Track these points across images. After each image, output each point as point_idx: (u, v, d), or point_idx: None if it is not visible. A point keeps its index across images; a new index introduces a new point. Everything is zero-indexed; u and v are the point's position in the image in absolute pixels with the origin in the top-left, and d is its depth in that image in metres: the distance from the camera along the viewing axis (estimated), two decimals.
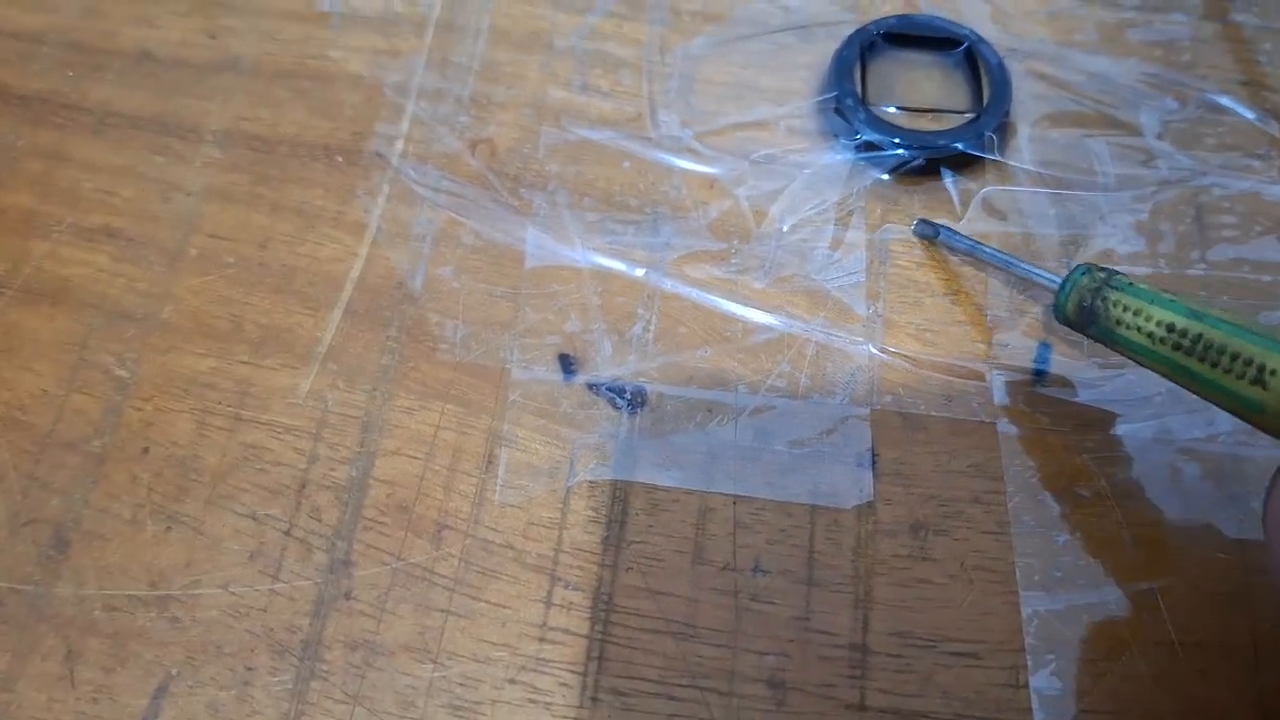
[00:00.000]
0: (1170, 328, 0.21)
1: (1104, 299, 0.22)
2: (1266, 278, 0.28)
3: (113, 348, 0.27)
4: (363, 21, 0.32)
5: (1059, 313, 0.23)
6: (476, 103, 0.30)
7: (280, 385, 0.26)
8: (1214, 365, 0.20)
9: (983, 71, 0.29)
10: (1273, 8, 0.32)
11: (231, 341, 0.27)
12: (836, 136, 0.29)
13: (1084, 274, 0.23)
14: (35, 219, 0.29)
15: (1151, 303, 0.21)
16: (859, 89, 0.29)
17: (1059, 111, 0.30)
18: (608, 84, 0.31)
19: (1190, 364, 0.20)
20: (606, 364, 0.26)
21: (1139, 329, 0.21)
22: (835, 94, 0.29)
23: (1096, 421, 0.25)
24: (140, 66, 0.31)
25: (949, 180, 0.29)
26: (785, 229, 0.28)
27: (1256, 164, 0.29)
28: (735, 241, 0.28)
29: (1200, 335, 0.20)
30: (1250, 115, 0.30)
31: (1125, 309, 0.22)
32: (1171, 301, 0.21)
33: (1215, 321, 0.20)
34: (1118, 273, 0.23)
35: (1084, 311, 0.22)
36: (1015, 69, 0.31)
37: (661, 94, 0.31)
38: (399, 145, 0.30)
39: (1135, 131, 0.30)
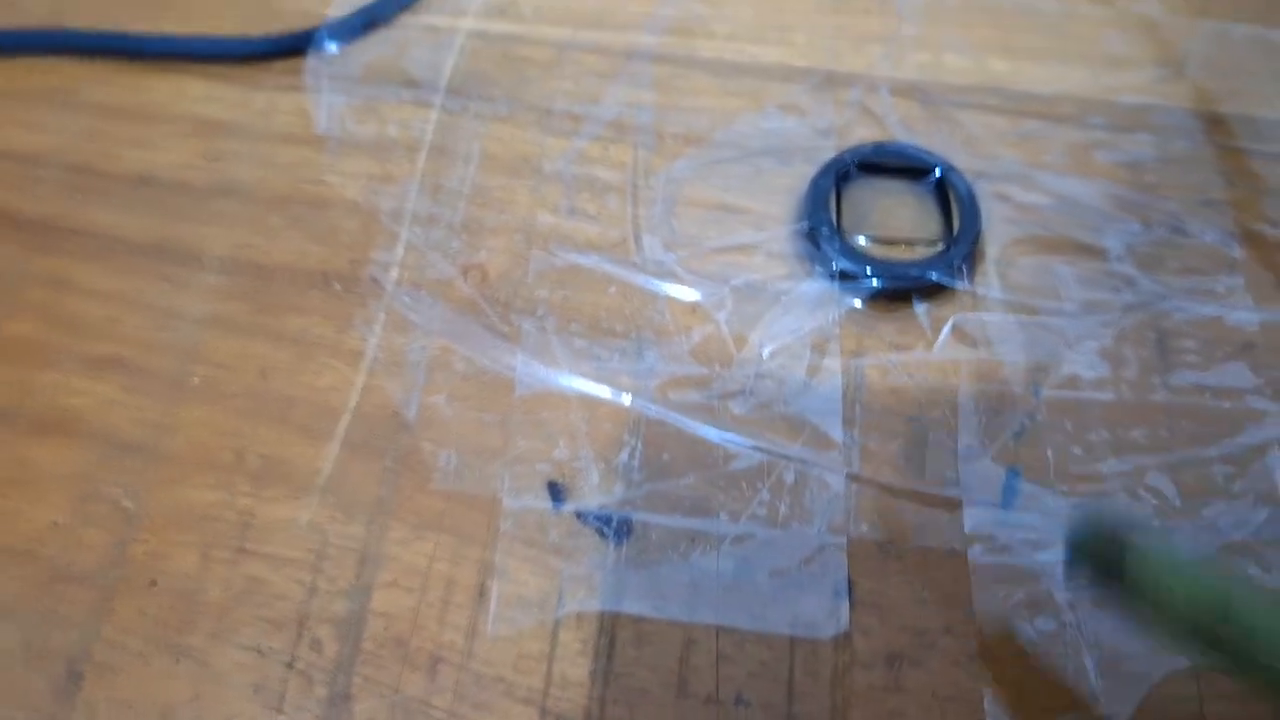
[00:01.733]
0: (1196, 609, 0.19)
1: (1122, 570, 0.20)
2: (1227, 404, 0.29)
3: (120, 480, 0.28)
4: (358, 145, 0.33)
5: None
6: (468, 228, 0.32)
7: (281, 517, 0.27)
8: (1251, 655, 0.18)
9: (953, 201, 0.31)
10: (1237, 127, 0.34)
11: (234, 473, 0.28)
12: (813, 264, 0.30)
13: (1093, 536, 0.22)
14: (42, 349, 0.30)
15: (1175, 575, 0.19)
16: (834, 218, 0.31)
17: (1027, 236, 0.31)
18: (594, 208, 0.32)
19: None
20: (594, 492, 0.27)
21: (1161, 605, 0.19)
22: (811, 223, 0.30)
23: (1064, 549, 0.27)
24: (141, 190, 0.32)
25: (920, 309, 0.30)
26: (765, 355, 0.29)
27: (1219, 288, 0.31)
28: (717, 366, 0.29)
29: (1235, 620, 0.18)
30: (1212, 238, 0.31)
31: (1146, 582, 0.20)
32: (1199, 578, 0.19)
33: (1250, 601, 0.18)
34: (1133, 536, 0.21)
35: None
36: (986, 191, 0.32)
37: (646, 218, 0.32)
38: (394, 272, 0.31)
39: (1101, 255, 0.31)
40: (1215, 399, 0.29)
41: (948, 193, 0.31)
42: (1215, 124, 0.34)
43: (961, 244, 0.30)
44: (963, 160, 0.32)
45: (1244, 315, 0.30)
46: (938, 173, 0.31)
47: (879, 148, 0.32)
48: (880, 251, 0.31)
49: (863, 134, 0.33)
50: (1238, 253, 0.31)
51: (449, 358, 0.29)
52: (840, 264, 0.30)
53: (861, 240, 0.31)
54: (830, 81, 0.34)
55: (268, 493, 0.28)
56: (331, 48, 0.35)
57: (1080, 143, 0.33)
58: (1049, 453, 0.28)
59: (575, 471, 0.28)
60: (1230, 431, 0.28)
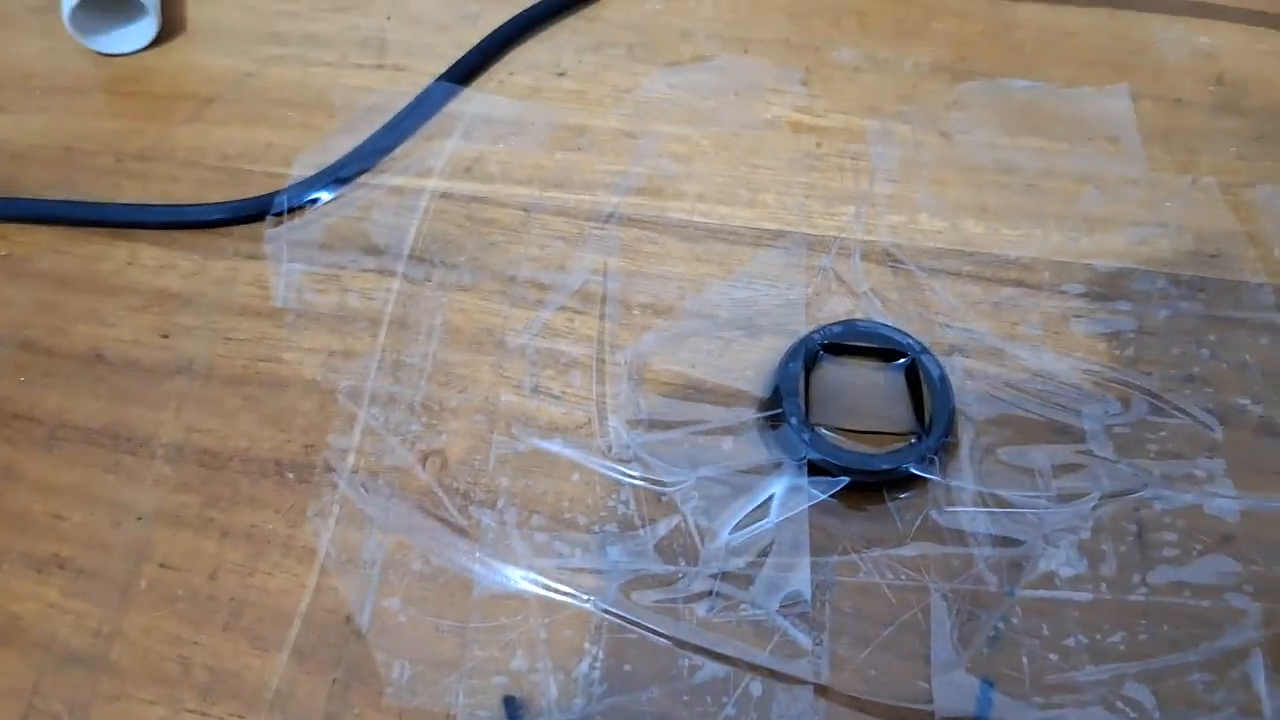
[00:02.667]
0: None
1: None
2: (1206, 603, 0.28)
3: (63, 694, 0.27)
4: (317, 318, 0.32)
5: None
6: (428, 409, 0.31)
7: None
8: None
9: (925, 387, 0.30)
10: (1220, 293, 0.33)
11: (180, 687, 0.27)
12: (782, 452, 0.30)
13: None
14: None
15: None
16: (803, 405, 0.30)
17: (1002, 417, 0.30)
18: (558, 386, 0.31)
19: None
20: (553, 708, 0.26)
21: None
22: (781, 411, 0.29)
23: None
24: (92, 370, 0.32)
25: (892, 502, 0.29)
26: (732, 552, 0.28)
27: (1199, 472, 0.30)
28: (683, 563, 0.28)
29: None
30: (1193, 417, 0.31)
31: None
32: None
33: None
34: None
35: None
36: (959, 367, 0.31)
37: (611, 397, 0.31)
38: (350, 459, 0.30)
39: (1078, 438, 0.30)
40: (1195, 597, 0.28)
41: (919, 376, 0.30)
42: (1198, 290, 0.33)
43: (933, 434, 0.29)
44: (935, 332, 0.32)
45: (1224, 503, 0.29)
46: (909, 355, 0.30)
47: (848, 327, 0.31)
48: (851, 440, 0.30)
49: (834, 303, 0.32)
50: (1219, 433, 0.30)
51: (405, 555, 0.28)
52: (809, 455, 0.29)
53: (831, 431, 0.30)
54: (801, 245, 0.34)
55: (215, 709, 0.27)
56: (291, 213, 0.34)
57: (1057, 312, 0.32)
58: (1024, 660, 0.27)
59: (533, 685, 0.27)
60: (1210, 634, 0.28)
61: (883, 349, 0.31)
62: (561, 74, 0.38)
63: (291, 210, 0.34)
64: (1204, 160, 0.36)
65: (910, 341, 0.31)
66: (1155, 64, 0.39)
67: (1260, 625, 0.28)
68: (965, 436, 0.30)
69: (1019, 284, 0.33)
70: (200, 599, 0.28)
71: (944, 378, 0.30)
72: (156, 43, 0.39)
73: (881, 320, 0.32)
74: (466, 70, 0.37)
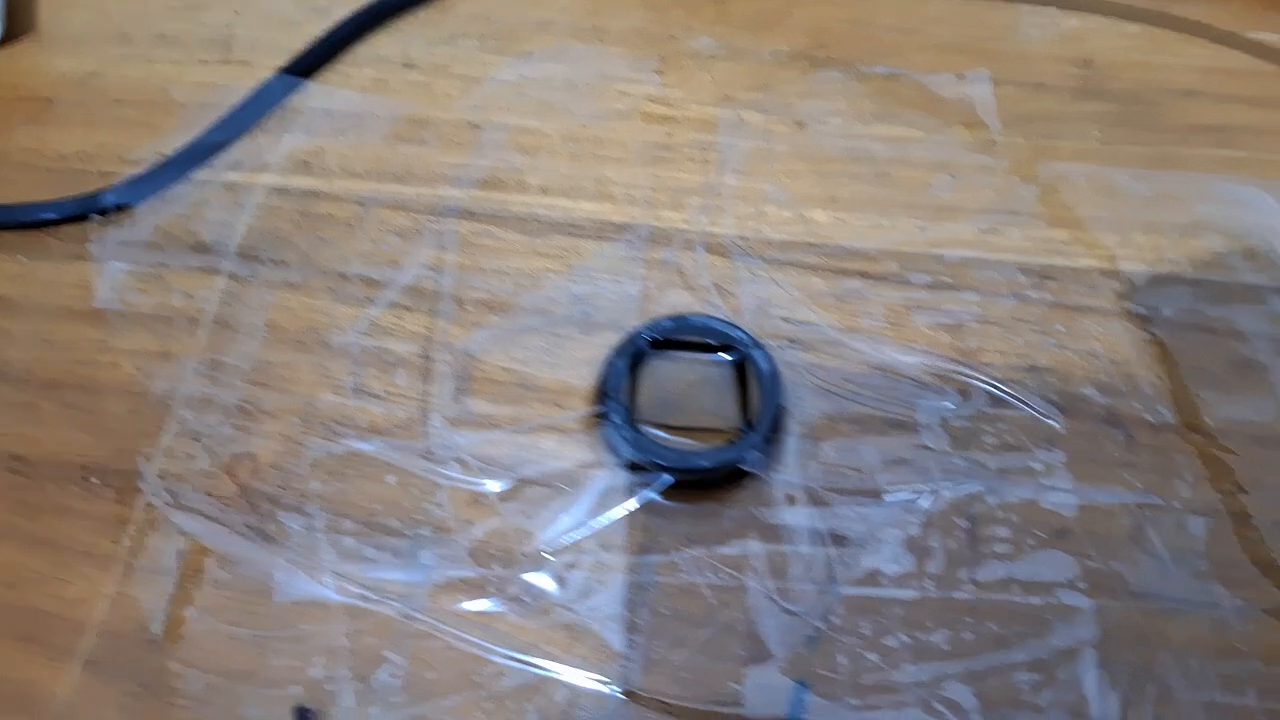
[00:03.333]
0: None
1: None
2: (1036, 599, 0.27)
3: None
4: (138, 320, 0.32)
5: None
6: (243, 411, 0.30)
7: None
8: None
9: (754, 383, 0.29)
10: (1069, 281, 0.32)
11: None
12: (606, 452, 0.29)
13: None
14: None
15: None
16: (627, 403, 0.29)
17: (836, 412, 0.30)
18: (382, 386, 0.30)
19: None
20: (348, 717, 0.25)
21: None
22: (604, 410, 0.28)
23: None
24: None
25: (718, 501, 0.28)
26: (548, 555, 0.28)
27: (1037, 465, 0.29)
28: (497, 568, 0.27)
29: None
30: (1033, 408, 0.30)
31: None
32: None
33: None
34: None
35: None
36: (796, 361, 0.30)
37: (437, 396, 0.30)
38: (158, 464, 0.29)
39: (912, 431, 0.29)
40: (1025, 595, 0.27)
41: (749, 372, 0.29)
42: (1045, 279, 0.32)
43: (759, 429, 0.28)
44: (773, 325, 0.31)
45: (1061, 497, 0.29)
46: (739, 349, 0.29)
47: (680, 322, 0.30)
48: (678, 437, 0.29)
49: (673, 297, 0.32)
50: (1060, 424, 0.29)
51: (207, 563, 0.28)
52: (631, 455, 0.28)
53: (657, 428, 0.29)
54: (645, 238, 0.33)
55: None
56: (119, 211, 0.33)
57: (900, 304, 0.31)
58: (843, 660, 0.26)
59: (329, 695, 0.26)
60: (1039, 633, 0.27)
61: (714, 344, 0.30)
62: (410, 66, 0.38)
63: (120, 209, 0.33)
64: (1063, 145, 0.35)
65: (741, 336, 0.30)
66: (1020, 49, 0.38)
67: (1094, 623, 0.27)
68: (796, 431, 0.29)
69: (863, 275, 0.32)
70: None
71: (774, 373, 0.29)
72: (2, 45, 0.39)
73: (720, 314, 0.31)
74: (310, 64, 0.36)
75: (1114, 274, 0.32)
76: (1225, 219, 0.34)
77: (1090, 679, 0.26)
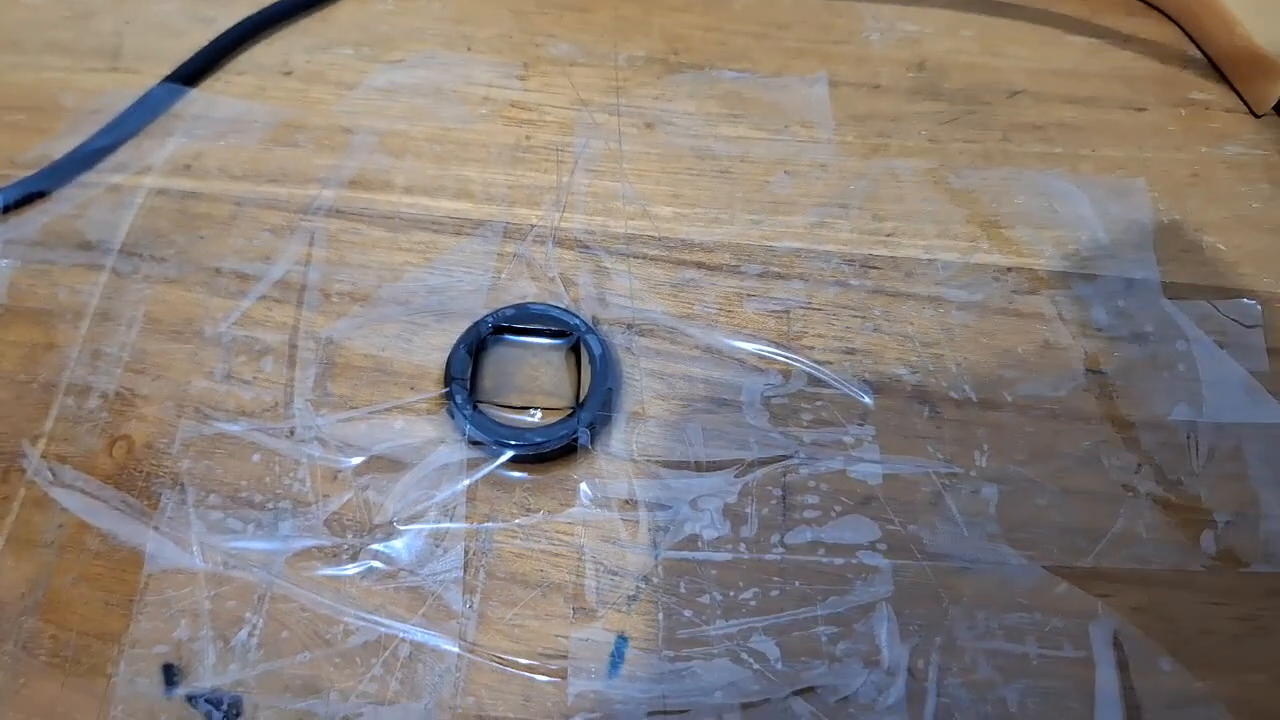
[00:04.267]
0: None
1: None
2: (839, 560, 0.30)
3: None
4: (24, 313, 0.34)
5: None
6: (121, 397, 0.32)
7: None
8: None
9: (586, 364, 0.31)
10: (890, 269, 0.35)
11: None
12: (452, 430, 0.31)
13: None
14: None
15: None
16: (467, 386, 0.31)
17: (666, 392, 0.32)
18: (250, 372, 0.33)
19: None
20: (209, 673, 0.28)
21: None
22: (448, 390, 0.31)
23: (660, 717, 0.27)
24: None
25: (553, 473, 0.31)
26: (397, 524, 0.30)
27: (847, 439, 0.32)
28: (350, 536, 0.30)
29: None
30: (848, 387, 0.32)
31: None
32: None
33: None
34: None
35: None
36: (632, 345, 0.33)
37: (301, 381, 0.33)
38: (40, 445, 0.31)
39: (736, 409, 0.32)
40: (829, 556, 0.30)
41: (581, 354, 0.32)
42: (870, 268, 0.35)
43: (589, 407, 0.31)
44: (613, 312, 0.33)
45: (867, 468, 0.31)
46: (574, 334, 0.32)
47: (521, 310, 0.32)
48: (515, 417, 0.32)
49: (521, 287, 0.34)
50: (871, 401, 0.32)
51: (84, 536, 0.30)
52: (471, 433, 0.31)
53: (500, 406, 0.32)
54: (499, 234, 0.35)
55: None
56: (8, 211, 0.35)
57: (733, 292, 0.34)
58: (660, 616, 0.29)
59: (193, 653, 0.28)
60: (840, 590, 0.29)
61: (552, 330, 0.33)
62: (288, 73, 0.40)
63: (8, 209, 0.36)
64: (894, 143, 0.38)
65: (577, 322, 0.32)
66: (860, 51, 0.41)
67: (890, 581, 0.30)
68: (626, 409, 0.32)
69: (700, 266, 0.35)
70: None
71: (605, 355, 0.32)
72: None
73: (562, 304, 0.34)
74: (193, 71, 0.38)
75: (930, 263, 0.35)
76: (1038, 211, 0.36)
77: (884, 631, 0.29)
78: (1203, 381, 0.33)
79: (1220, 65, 0.40)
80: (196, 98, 0.39)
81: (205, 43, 0.40)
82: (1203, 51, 0.41)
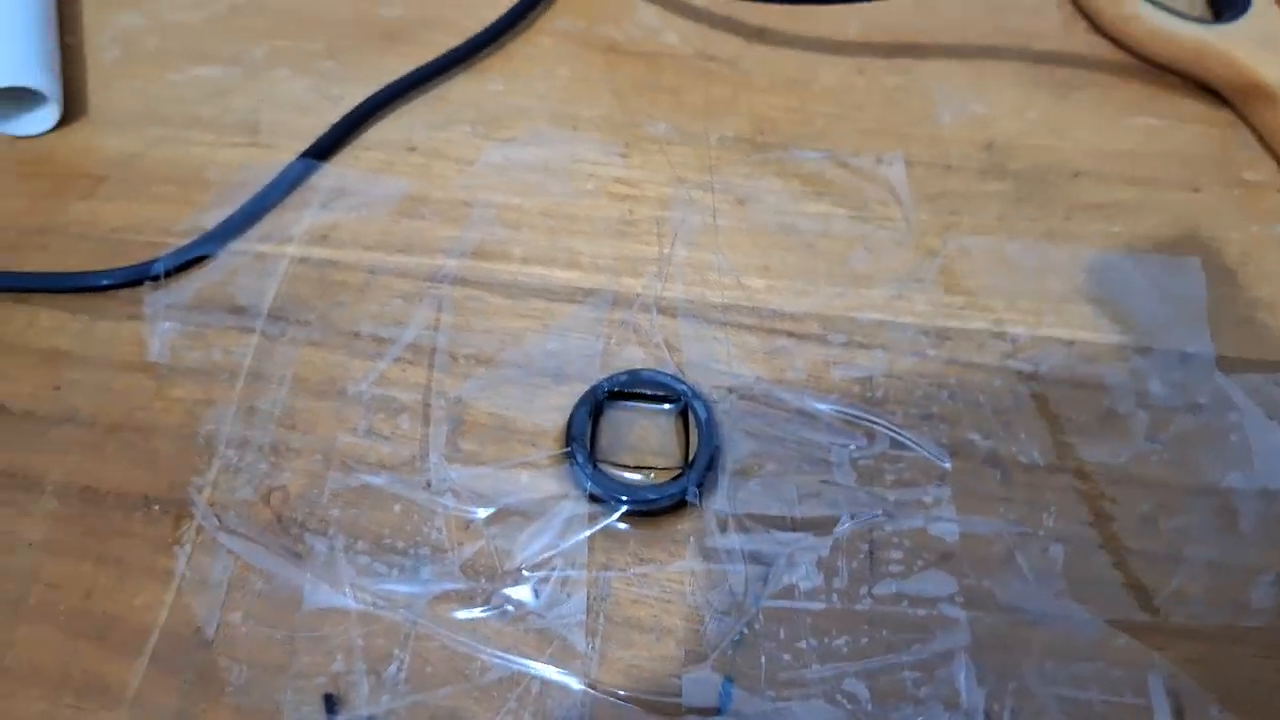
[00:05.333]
0: None
1: None
2: (921, 611, 0.33)
3: None
4: (185, 372, 0.38)
5: None
6: (275, 450, 0.36)
7: None
8: None
9: (693, 427, 0.35)
10: (961, 341, 0.38)
11: (60, 688, 0.32)
12: (572, 485, 0.35)
13: None
14: None
15: None
16: (588, 444, 0.35)
17: (762, 452, 0.36)
18: (388, 429, 0.37)
19: None
20: (364, 703, 0.32)
21: None
22: (570, 450, 0.35)
23: None
24: None
25: (664, 527, 0.34)
26: (525, 571, 0.34)
27: (927, 498, 0.35)
28: (483, 581, 0.34)
29: None
30: (926, 451, 0.36)
31: None
32: None
33: None
34: None
35: None
36: (733, 408, 0.36)
37: (435, 437, 0.36)
38: (206, 494, 0.35)
39: (826, 469, 0.36)
40: (913, 607, 0.33)
41: (689, 417, 0.36)
42: (944, 339, 0.38)
43: (697, 467, 0.35)
44: (713, 377, 0.37)
45: (945, 526, 0.35)
46: (681, 399, 0.36)
47: (633, 375, 0.36)
48: (631, 474, 0.35)
49: (630, 354, 0.38)
50: (948, 464, 0.36)
51: (248, 577, 0.34)
52: (591, 489, 0.34)
53: (615, 465, 0.35)
54: (608, 302, 0.39)
55: (86, 705, 0.32)
56: (167, 278, 0.40)
57: (820, 359, 0.38)
58: (762, 660, 0.32)
59: (349, 685, 0.32)
60: (923, 639, 0.33)
61: (660, 395, 0.36)
62: (411, 149, 0.44)
63: (168, 275, 0.40)
64: (965, 221, 0.41)
65: (684, 388, 0.36)
66: (932, 132, 0.44)
67: (968, 632, 0.33)
68: (729, 468, 0.36)
69: (790, 335, 0.39)
70: (77, 614, 0.33)
71: (710, 419, 0.36)
72: (60, 125, 0.45)
73: (668, 368, 0.37)
74: (325, 147, 0.42)
75: (1000, 335, 0.38)
76: (1098, 287, 0.40)
77: (962, 677, 0.32)
78: (1254, 451, 0.36)
79: (1272, 146, 0.43)
80: (329, 171, 0.43)
81: (334, 119, 0.44)
82: (1256, 132, 0.44)
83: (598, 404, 0.36)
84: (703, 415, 0.35)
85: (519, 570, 0.34)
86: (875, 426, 0.36)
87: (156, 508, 0.35)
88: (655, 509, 0.35)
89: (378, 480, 0.35)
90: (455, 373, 0.38)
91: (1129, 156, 0.44)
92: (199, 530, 0.34)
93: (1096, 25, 0.48)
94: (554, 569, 0.34)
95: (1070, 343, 0.38)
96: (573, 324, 0.39)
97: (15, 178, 0.44)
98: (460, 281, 0.40)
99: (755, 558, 0.34)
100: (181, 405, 0.37)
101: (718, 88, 0.46)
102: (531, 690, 0.32)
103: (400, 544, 0.34)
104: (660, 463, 0.36)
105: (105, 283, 0.39)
